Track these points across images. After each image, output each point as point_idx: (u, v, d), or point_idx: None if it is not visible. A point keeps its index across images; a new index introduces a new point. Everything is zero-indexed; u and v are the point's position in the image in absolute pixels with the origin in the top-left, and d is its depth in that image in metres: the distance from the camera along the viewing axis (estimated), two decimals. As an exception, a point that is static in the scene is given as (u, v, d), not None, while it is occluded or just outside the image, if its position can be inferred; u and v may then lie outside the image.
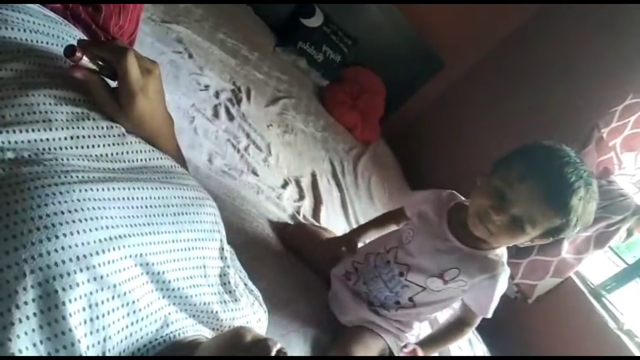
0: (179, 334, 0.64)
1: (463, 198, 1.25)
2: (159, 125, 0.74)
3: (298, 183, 1.81)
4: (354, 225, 1.88)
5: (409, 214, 1.30)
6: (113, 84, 0.68)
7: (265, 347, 0.58)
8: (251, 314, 0.82)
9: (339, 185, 2.10)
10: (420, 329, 1.36)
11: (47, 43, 0.70)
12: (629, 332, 1.94)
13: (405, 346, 1.24)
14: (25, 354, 0.46)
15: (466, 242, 1.15)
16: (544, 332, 2.19)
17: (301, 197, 1.75)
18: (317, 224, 1.66)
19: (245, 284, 0.88)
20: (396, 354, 1.28)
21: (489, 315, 1.20)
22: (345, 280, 1.34)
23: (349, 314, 1.30)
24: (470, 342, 1.82)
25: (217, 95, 1.84)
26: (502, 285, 1.15)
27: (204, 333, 0.70)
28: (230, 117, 1.79)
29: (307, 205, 1.73)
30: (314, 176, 1.96)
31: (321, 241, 1.44)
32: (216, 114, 1.74)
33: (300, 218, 1.61)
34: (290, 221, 1.56)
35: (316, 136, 2.34)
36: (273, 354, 0.58)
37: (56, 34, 0.73)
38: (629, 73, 2.29)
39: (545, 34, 2.82)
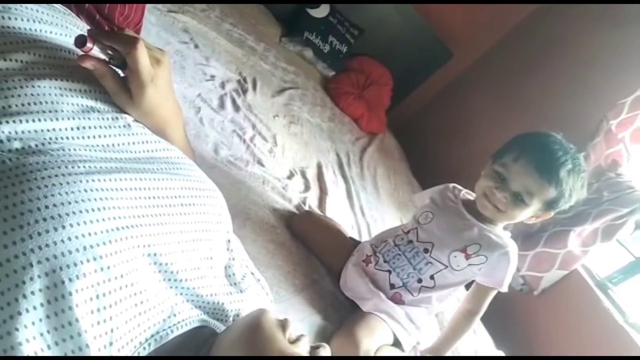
0: (186, 324, 0.64)
1: (468, 191, 1.38)
2: (168, 115, 0.75)
3: (304, 174, 1.81)
4: (359, 216, 1.88)
5: (419, 203, 1.43)
6: (122, 73, 0.69)
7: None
8: (257, 304, 0.82)
9: (344, 176, 2.10)
10: (429, 326, 1.38)
11: (52, 33, 0.70)
12: (635, 325, 1.93)
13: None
14: (31, 344, 0.46)
15: (480, 220, 1.29)
16: (549, 324, 2.19)
17: (307, 187, 1.75)
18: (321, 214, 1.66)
19: (252, 273, 0.89)
20: (405, 347, 1.29)
21: (505, 288, 1.29)
22: (364, 265, 1.38)
23: (365, 304, 1.32)
24: (475, 332, 1.82)
25: (223, 85, 1.83)
26: (514, 258, 1.28)
27: (209, 324, 0.70)
28: (236, 108, 1.78)
29: (312, 196, 1.73)
30: (319, 167, 1.96)
31: (331, 231, 1.48)
32: (222, 105, 1.73)
33: (306, 209, 1.61)
34: (296, 212, 1.56)
35: (322, 127, 2.33)
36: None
37: (61, 23, 0.72)
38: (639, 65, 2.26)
39: (554, 25, 2.79)
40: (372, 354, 1.20)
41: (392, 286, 1.33)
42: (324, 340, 1.21)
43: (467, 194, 1.36)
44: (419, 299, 1.32)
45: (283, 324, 0.65)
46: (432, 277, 1.30)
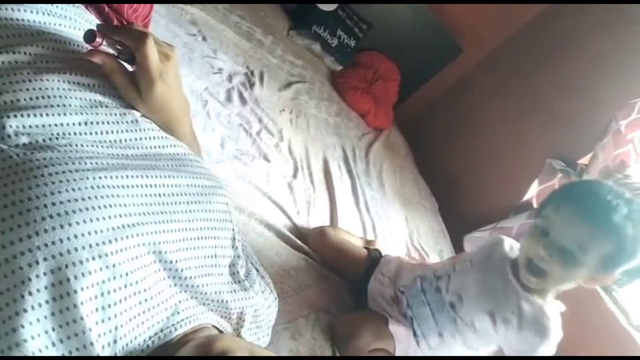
0: (189, 322, 0.64)
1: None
2: (176, 110, 0.74)
3: (309, 169, 1.81)
4: (364, 212, 1.88)
5: (467, 248, 1.29)
6: (130, 68, 0.68)
7: None
8: (261, 301, 0.82)
9: (350, 171, 2.09)
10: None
11: (62, 25, 0.70)
12: (639, 327, 1.92)
13: None
14: (36, 341, 0.46)
15: (525, 287, 1.11)
16: (552, 325, 2.19)
17: (312, 183, 1.75)
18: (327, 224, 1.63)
19: (257, 270, 0.89)
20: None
21: None
22: (392, 304, 1.29)
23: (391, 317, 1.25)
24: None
25: (230, 79, 1.82)
26: (552, 339, 1.11)
27: (212, 321, 0.70)
28: (243, 102, 1.78)
29: (318, 193, 1.72)
30: (325, 162, 1.95)
31: (345, 247, 1.42)
32: (229, 98, 1.73)
33: (311, 207, 1.61)
34: (302, 210, 1.56)
35: (329, 122, 2.32)
36: None
37: (70, 15, 0.72)
38: (651, 64, 2.23)
39: (565, 24, 2.75)
40: (367, 350, 1.16)
41: (414, 333, 1.23)
42: (329, 338, 1.21)
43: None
44: (436, 351, 1.22)
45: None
46: (453, 336, 1.19)
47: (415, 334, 1.22)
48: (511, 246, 1.21)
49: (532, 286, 1.09)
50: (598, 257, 0.99)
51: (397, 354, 1.20)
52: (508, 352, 1.15)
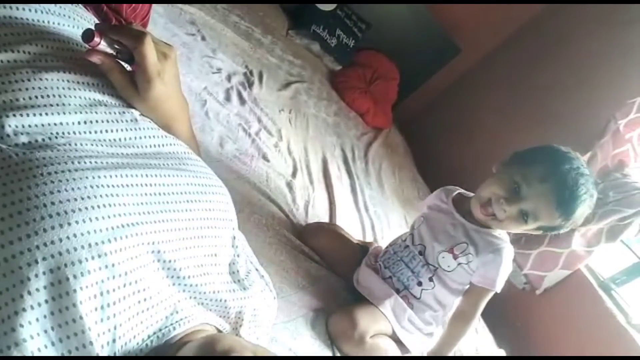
0: (188, 321, 0.64)
1: (465, 191, 1.37)
2: (175, 109, 0.74)
3: (308, 169, 1.81)
4: (363, 212, 1.88)
5: (419, 210, 1.44)
6: (129, 68, 0.68)
7: None
8: (260, 300, 0.82)
9: (349, 171, 2.09)
10: (434, 331, 1.37)
11: (60, 24, 0.69)
12: (638, 326, 1.92)
13: None
14: (35, 340, 0.46)
15: (470, 220, 1.27)
16: (551, 324, 2.19)
17: (311, 182, 1.75)
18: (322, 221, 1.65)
19: (257, 269, 0.89)
20: (408, 346, 1.31)
21: (499, 289, 1.27)
22: (374, 272, 1.39)
23: (378, 302, 1.31)
24: (477, 331, 1.82)
25: (229, 78, 1.82)
26: (507, 259, 1.26)
27: (211, 321, 0.70)
28: (242, 101, 1.78)
29: (317, 193, 1.72)
30: (324, 162, 1.95)
31: (339, 242, 1.47)
32: (228, 98, 1.73)
33: (310, 206, 1.61)
34: (300, 210, 1.56)
35: (328, 121, 2.32)
36: None
37: (69, 14, 0.72)
38: (650, 64, 2.23)
39: (563, 23, 2.76)
40: (368, 336, 1.20)
41: (397, 291, 1.34)
42: (328, 335, 1.21)
43: (463, 194, 1.35)
44: (424, 302, 1.32)
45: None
46: (430, 279, 1.31)
47: (398, 291, 1.33)
48: (449, 189, 1.37)
49: (480, 219, 1.24)
50: (541, 225, 1.18)
51: (394, 328, 1.28)
52: (479, 282, 1.27)
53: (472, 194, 1.31)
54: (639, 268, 2.08)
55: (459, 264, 1.26)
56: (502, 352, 1.83)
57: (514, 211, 1.16)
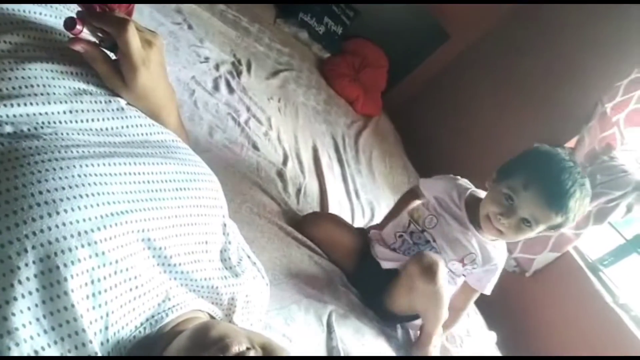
0: (180, 308, 0.65)
1: (475, 188, 1.40)
2: (161, 98, 0.74)
3: (299, 157, 1.81)
4: (354, 200, 1.89)
5: (425, 194, 1.42)
6: (113, 56, 0.67)
7: (224, 346, 0.55)
8: (253, 287, 0.82)
9: (340, 159, 2.09)
10: None
11: (42, 14, 0.68)
12: (625, 305, 1.96)
13: None
14: (27, 329, 0.47)
15: (481, 232, 1.34)
16: (541, 305, 2.23)
17: (302, 171, 1.75)
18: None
19: (249, 256, 0.89)
20: None
21: (488, 292, 1.41)
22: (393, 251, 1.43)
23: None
24: (468, 314, 1.85)
25: (217, 67, 1.81)
26: (501, 268, 1.39)
27: (204, 307, 0.71)
28: (231, 90, 1.77)
29: (308, 181, 1.73)
30: (314, 150, 1.95)
31: (338, 231, 1.48)
32: (216, 87, 1.72)
33: (302, 195, 1.61)
34: (292, 198, 1.56)
35: (317, 110, 2.32)
36: (231, 354, 0.55)
37: (50, 4, 0.71)
38: (635, 47, 2.25)
39: (551, 9, 2.76)
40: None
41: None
42: (323, 322, 1.22)
43: (474, 195, 1.37)
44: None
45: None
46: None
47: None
48: (460, 185, 1.39)
49: (490, 236, 1.32)
50: (546, 226, 1.23)
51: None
52: (474, 285, 1.40)
53: (481, 193, 1.35)
54: (625, 249, 2.12)
55: (465, 268, 1.37)
56: (492, 335, 1.86)
57: (513, 222, 1.22)
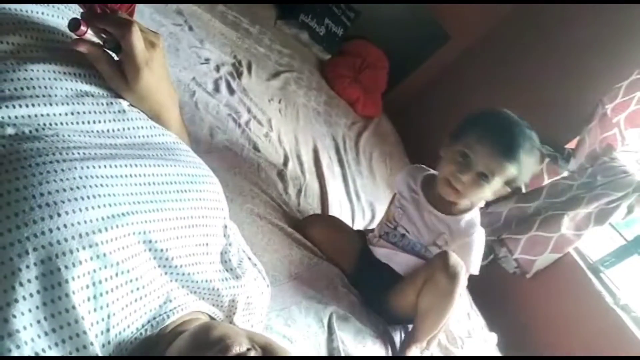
0: (181, 309, 0.65)
1: (428, 168, 1.46)
2: (164, 99, 0.74)
3: (299, 158, 1.81)
4: (355, 201, 1.89)
5: (395, 192, 1.49)
6: (116, 57, 0.67)
7: (224, 346, 0.55)
8: (254, 288, 0.82)
9: (340, 161, 2.09)
10: None
11: (45, 14, 0.69)
12: (626, 307, 1.96)
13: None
14: (28, 331, 0.46)
15: (443, 210, 1.37)
16: (541, 307, 2.22)
17: (303, 172, 1.75)
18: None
19: (249, 258, 0.89)
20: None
21: (475, 271, 1.40)
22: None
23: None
24: (469, 316, 1.85)
25: (217, 69, 1.81)
26: (478, 243, 1.39)
27: (204, 309, 0.70)
28: (231, 92, 1.77)
29: (308, 182, 1.73)
30: (315, 151, 1.95)
31: (338, 233, 1.51)
32: (217, 88, 1.72)
33: (302, 196, 1.61)
34: (293, 199, 1.56)
35: (318, 111, 2.32)
36: (231, 354, 0.55)
37: (53, 4, 0.71)
38: (636, 49, 2.25)
39: (552, 9, 2.76)
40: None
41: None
42: (323, 323, 1.22)
43: (429, 175, 1.42)
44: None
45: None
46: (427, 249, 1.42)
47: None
48: (414, 171, 1.46)
49: (451, 199, 1.32)
50: (503, 180, 1.27)
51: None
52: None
53: (436, 172, 1.39)
54: (626, 250, 2.12)
55: (440, 247, 1.38)
56: (493, 336, 1.86)
57: (471, 177, 1.25)
